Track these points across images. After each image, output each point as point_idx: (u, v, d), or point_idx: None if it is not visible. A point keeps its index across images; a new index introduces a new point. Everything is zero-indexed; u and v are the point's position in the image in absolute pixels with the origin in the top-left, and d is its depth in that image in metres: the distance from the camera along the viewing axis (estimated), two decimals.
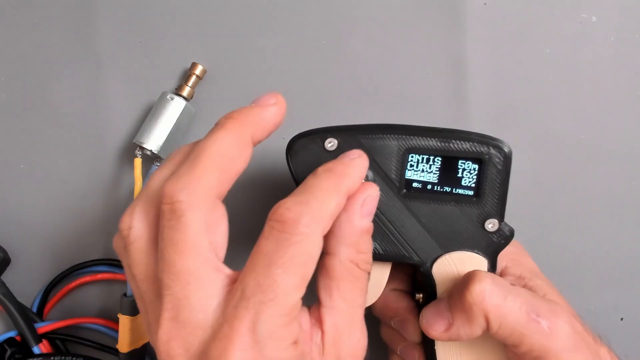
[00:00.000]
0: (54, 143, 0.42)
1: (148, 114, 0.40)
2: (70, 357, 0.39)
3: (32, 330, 0.39)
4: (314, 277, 0.29)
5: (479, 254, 0.33)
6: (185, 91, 0.40)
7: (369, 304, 0.34)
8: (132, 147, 0.41)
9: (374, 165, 0.32)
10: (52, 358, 0.39)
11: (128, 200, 0.42)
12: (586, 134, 0.43)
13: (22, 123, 0.42)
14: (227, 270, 0.26)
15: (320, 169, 0.29)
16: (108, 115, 0.42)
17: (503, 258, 0.34)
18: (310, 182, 0.28)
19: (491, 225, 0.32)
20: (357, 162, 0.30)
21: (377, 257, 0.32)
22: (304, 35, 0.42)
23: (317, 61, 0.42)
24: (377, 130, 0.32)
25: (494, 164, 0.32)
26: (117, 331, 0.39)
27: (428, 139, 0.32)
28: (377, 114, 0.42)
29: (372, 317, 0.37)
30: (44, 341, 0.40)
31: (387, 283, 0.34)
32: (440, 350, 0.34)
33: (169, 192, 0.26)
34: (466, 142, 0.32)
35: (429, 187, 0.33)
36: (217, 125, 0.28)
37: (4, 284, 0.40)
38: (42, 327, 0.40)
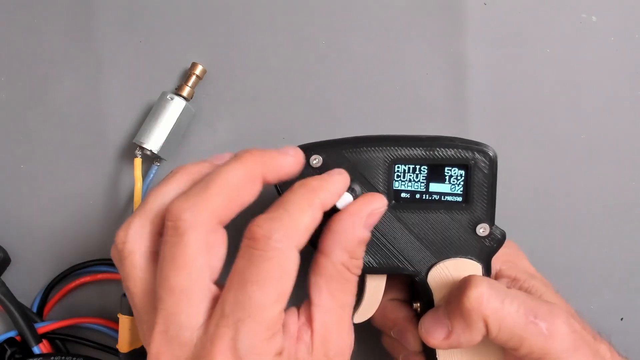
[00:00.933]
0: (54, 143, 0.42)
1: (148, 114, 0.40)
2: (70, 357, 0.39)
3: (32, 330, 0.39)
4: (305, 276, 0.29)
5: (472, 259, 0.33)
6: (185, 91, 0.40)
7: (366, 317, 0.34)
8: (132, 147, 0.41)
9: (361, 179, 0.32)
10: (52, 358, 0.39)
11: (128, 200, 0.42)
12: (586, 134, 0.43)
13: (22, 123, 0.42)
14: (217, 291, 0.27)
15: (297, 184, 0.29)
16: (108, 115, 0.42)
17: (497, 261, 0.34)
18: (284, 197, 0.29)
19: (482, 229, 0.32)
20: (334, 177, 0.30)
21: (372, 270, 0.32)
22: (304, 35, 0.42)
23: (317, 61, 0.42)
24: (362, 144, 0.32)
25: (480, 168, 0.32)
26: (117, 331, 0.39)
27: (412, 148, 0.32)
28: (377, 114, 0.42)
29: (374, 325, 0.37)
30: (44, 341, 0.40)
31: (384, 293, 0.34)
32: (442, 358, 0.33)
33: (176, 211, 0.27)
34: (451, 149, 0.32)
35: (418, 196, 0.33)
36: (236, 157, 0.29)
37: (4, 284, 0.40)
38: (42, 327, 0.40)
